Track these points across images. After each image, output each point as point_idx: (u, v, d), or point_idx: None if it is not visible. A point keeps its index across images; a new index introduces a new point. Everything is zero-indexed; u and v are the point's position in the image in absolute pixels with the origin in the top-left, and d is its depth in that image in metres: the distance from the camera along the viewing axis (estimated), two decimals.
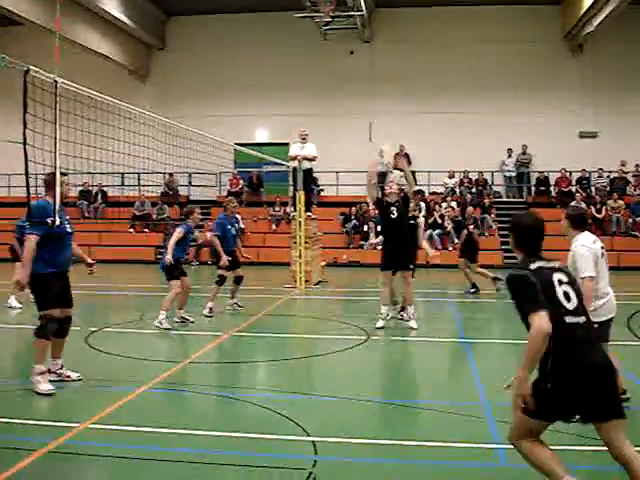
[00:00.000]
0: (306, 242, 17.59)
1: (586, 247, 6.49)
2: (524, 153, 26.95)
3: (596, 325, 5.32)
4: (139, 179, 26.58)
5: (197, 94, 28.18)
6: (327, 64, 27.61)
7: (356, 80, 27.52)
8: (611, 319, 6.63)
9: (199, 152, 14.32)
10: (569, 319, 4.14)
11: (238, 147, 17.92)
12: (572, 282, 4.34)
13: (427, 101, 27.15)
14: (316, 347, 10.30)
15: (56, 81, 6.22)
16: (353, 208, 25.26)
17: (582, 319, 4.20)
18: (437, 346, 10.64)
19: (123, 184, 26.84)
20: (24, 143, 5.76)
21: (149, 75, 29.52)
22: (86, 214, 26.63)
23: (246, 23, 28.15)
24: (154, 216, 26.46)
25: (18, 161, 6.48)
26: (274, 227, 26.00)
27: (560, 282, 4.24)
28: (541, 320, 3.98)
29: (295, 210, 18.17)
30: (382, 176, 26.88)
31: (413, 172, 26.78)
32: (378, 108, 27.38)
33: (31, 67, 6.14)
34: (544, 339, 3.97)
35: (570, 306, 4.18)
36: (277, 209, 26.20)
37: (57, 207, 6.81)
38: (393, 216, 11.30)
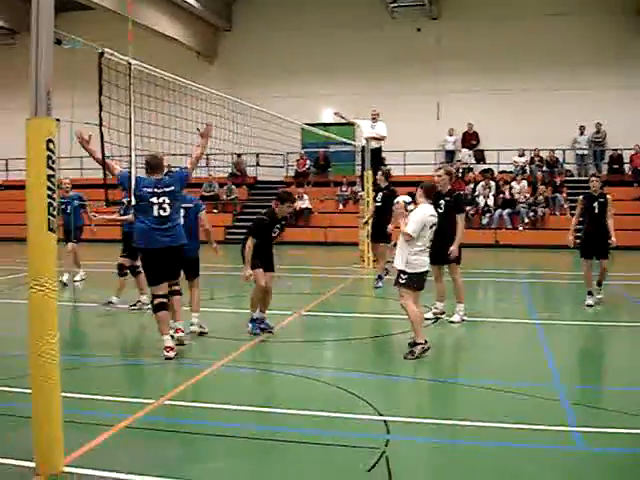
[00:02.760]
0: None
1: None
2: (598, 132, 26.17)
3: None
4: (207, 160, 26.91)
5: (263, 75, 28.25)
6: (394, 42, 27.31)
7: (423, 58, 27.17)
8: None
9: (267, 132, 14.38)
10: None
11: (307, 127, 17.91)
12: None
13: (496, 78, 26.60)
14: (384, 327, 10.27)
15: (130, 63, 6.31)
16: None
17: None
18: (508, 327, 10.50)
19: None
20: (100, 125, 5.87)
21: (216, 57, 29.72)
22: None
23: (312, 2, 28.04)
24: (223, 197, 26.73)
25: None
26: (341, 207, 25.99)
27: None
28: None
29: (363, 190, 18.12)
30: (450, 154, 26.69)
31: (481, 150, 26.56)
32: (445, 86, 26.99)
33: (105, 49, 6.25)
34: None
35: None
36: (344, 189, 26.18)
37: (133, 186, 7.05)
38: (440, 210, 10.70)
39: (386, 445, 5.35)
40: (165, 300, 8.19)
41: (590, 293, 11.56)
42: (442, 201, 9.89)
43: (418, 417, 6.08)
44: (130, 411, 6.12)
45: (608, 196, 11.43)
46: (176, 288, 8.64)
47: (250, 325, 9.45)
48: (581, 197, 11.82)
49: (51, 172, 4.69)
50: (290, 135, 16.37)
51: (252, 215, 25.64)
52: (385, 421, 5.90)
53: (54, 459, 4.84)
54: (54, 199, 4.72)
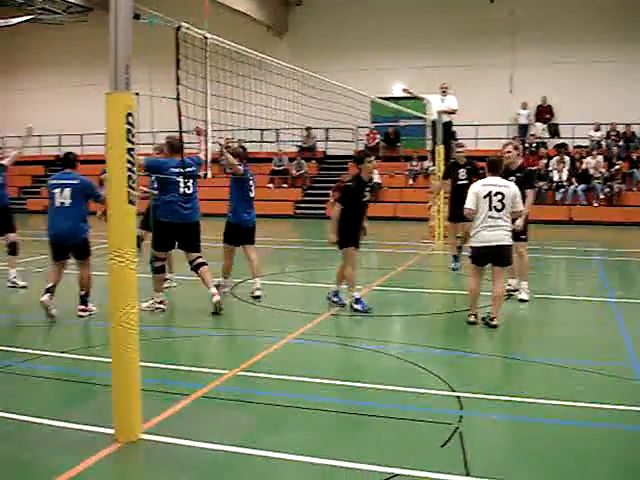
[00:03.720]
0: (445, 197, 17.31)
1: None
2: None
3: None
4: (277, 135, 27.01)
5: (333, 49, 28.08)
6: (466, 14, 26.74)
7: (496, 30, 26.52)
8: None
9: (337, 105, 14.27)
10: None
11: (378, 100, 17.76)
12: None
13: (571, 49, 25.76)
14: (455, 303, 10.18)
15: (206, 37, 6.34)
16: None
17: None
18: (582, 305, 10.29)
19: (262, 140, 27.33)
20: (177, 99, 5.93)
21: (286, 31, 29.66)
22: (227, 170, 27.26)
23: None
24: (292, 172, 26.80)
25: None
26: (411, 182, 25.78)
27: None
28: None
29: (434, 164, 17.94)
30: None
31: (556, 124, 25.93)
32: (518, 59, 26.34)
33: (182, 24, 6.30)
34: None
35: None
36: (414, 164, 25.94)
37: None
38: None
39: (459, 421, 5.33)
40: (163, 264, 9.39)
41: None
42: (513, 177, 9.72)
43: (491, 394, 6.01)
44: (206, 381, 6.25)
45: None
46: (201, 260, 9.30)
47: (336, 298, 9.57)
48: None
49: (130, 145, 4.77)
50: (360, 109, 16.24)
51: (321, 190, 25.95)
52: (458, 397, 5.87)
53: (132, 426, 4.97)
54: (133, 172, 4.80)
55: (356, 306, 9.23)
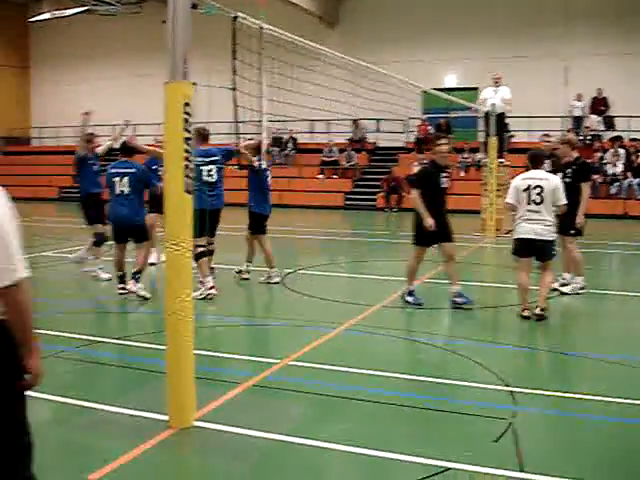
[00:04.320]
0: (498, 190, 17.14)
1: None
2: None
3: None
4: (328, 126, 26.97)
5: (384, 40, 27.88)
6: (520, 4, 26.31)
7: (550, 19, 26.00)
8: None
9: (388, 96, 14.18)
10: None
11: (431, 91, 17.61)
12: None
13: (627, 40, 25.16)
14: (507, 296, 10.06)
15: (262, 27, 6.35)
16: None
17: None
18: (637, 301, 10.08)
19: (313, 131, 27.34)
20: (233, 89, 5.95)
21: (338, 22, 29.57)
22: (277, 160, 27.36)
23: None
24: (343, 163, 26.74)
25: None
26: (462, 174, 25.53)
27: None
28: None
29: (486, 156, 17.74)
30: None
31: (611, 117, 25.39)
32: (574, 49, 25.79)
33: (239, 14, 6.31)
34: None
35: None
36: (466, 155, 25.68)
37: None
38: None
39: (513, 416, 5.27)
40: (205, 249, 9.40)
41: None
42: (568, 170, 9.56)
43: (545, 389, 5.93)
44: (258, 370, 6.29)
45: None
46: (212, 248, 9.81)
47: (409, 298, 9.18)
48: None
49: (187, 135, 4.80)
50: (411, 100, 16.12)
51: (372, 181, 25.84)
52: (511, 391, 5.80)
53: (186, 413, 5.02)
54: (190, 161, 4.84)
55: (408, 298, 9.15)
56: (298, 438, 4.83)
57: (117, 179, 9.30)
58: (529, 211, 8.21)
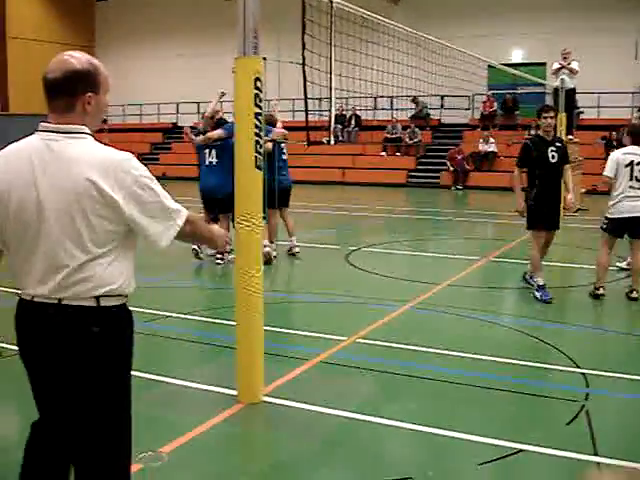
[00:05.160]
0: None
1: None
2: None
3: None
4: (392, 102, 26.70)
5: (448, 16, 27.37)
6: None
7: None
8: None
9: (453, 71, 13.90)
10: None
11: (496, 65, 17.25)
12: None
13: None
14: (574, 277, 9.85)
15: (332, 1, 6.29)
16: (614, 133, 23.55)
17: None
18: None
19: (375, 108, 27.12)
20: (303, 64, 5.92)
21: None
22: (340, 138, 27.22)
23: None
24: (406, 140, 26.47)
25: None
26: None
27: None
28: None
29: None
30: None
31: None
32: None
33: None
34: None
35: None
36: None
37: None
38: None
39: (586, 399, 5.16)
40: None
41: None
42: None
43: (618, 372, 5.78)
44: (325, 347, 6.29)
45: None
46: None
47: (537, 294, 8.23)
48: None
49: (258, 110, 4.78)
50: (476, 75, 15.81)
51: (435, 159, 25.58)
52: (584, 374, 5.68)
53: (255, 388, 5.05)
54: (261, 137, 4.82)
55: (537, 294, 8.25)
56: (365, 415, 4.82)
57: (207, 151, 9.91)
58: (631, 188, 7.88)
